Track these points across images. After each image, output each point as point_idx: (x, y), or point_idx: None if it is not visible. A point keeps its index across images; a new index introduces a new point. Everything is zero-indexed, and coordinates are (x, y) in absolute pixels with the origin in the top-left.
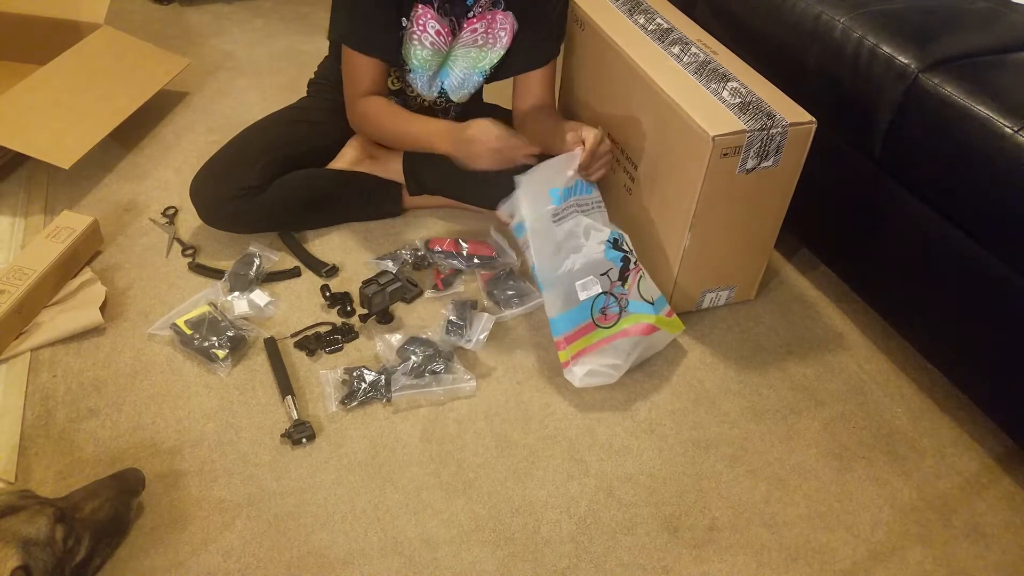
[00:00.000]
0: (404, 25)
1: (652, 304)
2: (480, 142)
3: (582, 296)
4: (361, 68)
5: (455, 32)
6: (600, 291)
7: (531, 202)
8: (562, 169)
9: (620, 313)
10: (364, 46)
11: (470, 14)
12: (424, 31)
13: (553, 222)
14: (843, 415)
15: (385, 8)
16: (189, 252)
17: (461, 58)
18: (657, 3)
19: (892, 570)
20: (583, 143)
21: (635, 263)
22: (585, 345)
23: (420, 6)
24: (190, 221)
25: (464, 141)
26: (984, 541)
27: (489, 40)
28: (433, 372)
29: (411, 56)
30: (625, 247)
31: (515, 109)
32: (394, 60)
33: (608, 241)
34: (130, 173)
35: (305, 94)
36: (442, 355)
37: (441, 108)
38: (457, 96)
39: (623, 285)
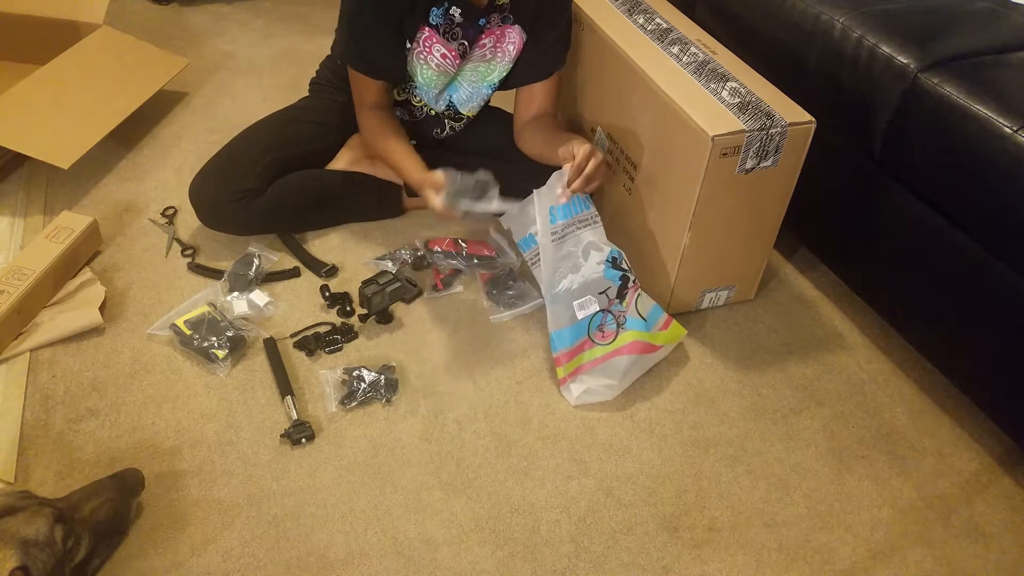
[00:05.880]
0: (409, 47)
1: (645, 320)
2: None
3: (580, 315)
4: (363, 84)
5: (465, 55)
6: (598, 309)
7: (542, 219)
8: (555, 188)
9: (617, 330)
10: (362, 67)
11: (481, 33)
12: (430, 53)
13: (552, 241)
14: (843, 415)
15: (383, 30)
16: (188, 252)
17: (470, 73)
18: (656, 3)
19: (892, 570)
20: (573, 158)
21: (634, 281)
22: (582, 362)
23: (426, 28)
24: (189, 221)
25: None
26: (984, 541)
27: (498, 54)
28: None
29: (417, 74)
30: (624, 265)
31: (517, 118)
32: (394, 79)
33: (607, 260)
34: (130, 173)
35: (306, 94)
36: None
37: (450, 118)
38: (466, 109)
39: (621, 303)
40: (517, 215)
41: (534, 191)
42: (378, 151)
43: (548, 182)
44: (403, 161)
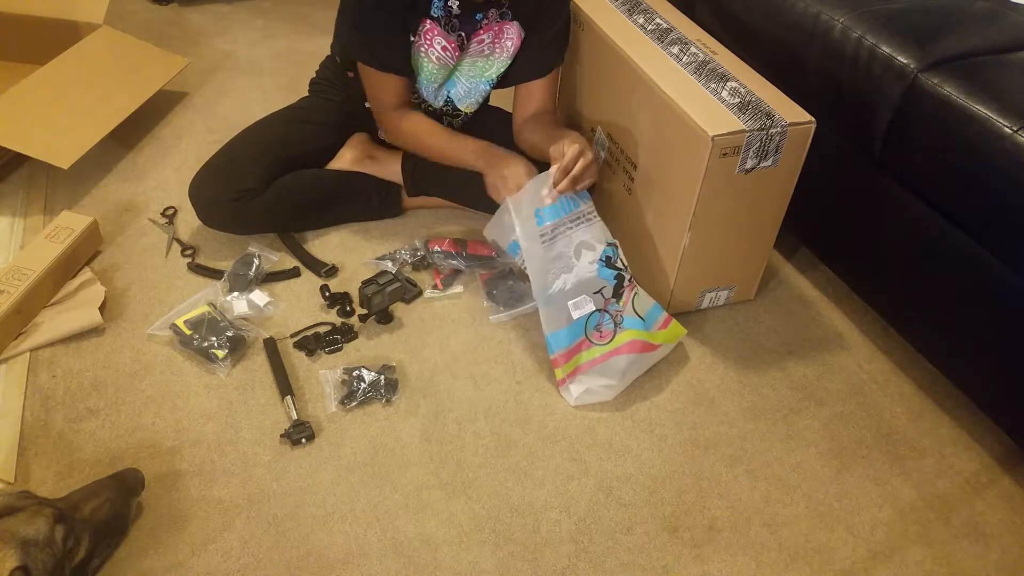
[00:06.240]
0: (412, 40)
1: (643, 320)
2: (508, 186)
3: (575, 315)
4: (382, 84)
5: (463, 47)
6: (593, 309)
7: (521, 224)
8: (539, 189)
9: (615, 330)
10: (378, 63)
11: (478, 28)
12: (431, 46)
13: (542, 243)
14: (843, 415)
15: (392, 24)
16: (188, 252)
17: (467, 68)
18: (656, 3)
19: (892, 570)
20: (562, 157)
21: (629, 279)
22: (580, 363)
23: (427, 21)
24: (189, 221)
25: (498, 176)
26: (984, 541)
27: (496, 50)
28: None
29: (419, 68)
30: (619, 264)
31: (515, 116)
32: (408, 72)
33: (601, 259)
34: (129, 173)
35: (306, 94)
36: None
37: (448, 115)
38: (464, 105)
39: (618, 302)
40: (496, 225)
41: (506, 198)
42: (424, 150)
43: (527, 184)
44: (463, 146)
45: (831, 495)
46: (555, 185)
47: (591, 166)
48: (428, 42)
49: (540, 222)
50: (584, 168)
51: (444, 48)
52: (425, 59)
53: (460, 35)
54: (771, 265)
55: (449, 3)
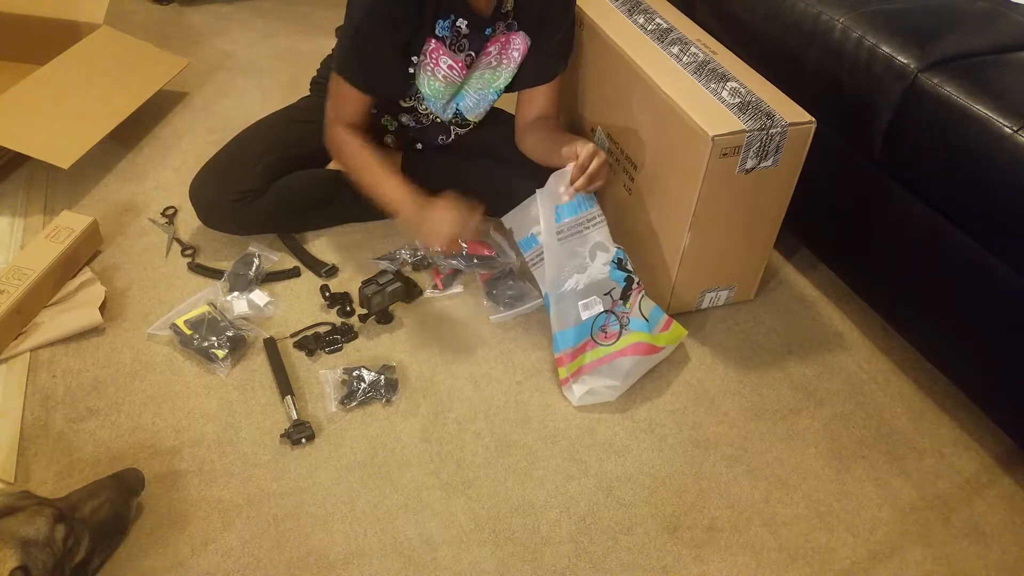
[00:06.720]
0: (415, 61)
1: (647, 321)
2: (437, 227)
3: (584, 315)
4: (349, 99)
5: (471, 64)
6: (602, 310)
7: (546, 218)
8: (557, 187)
9: (620, 331)
10: (358, 81)
11: (487, 41)
12: (436, 64)
13: (558, 240)
14: (843, 415)
15: (388, 47)
16: (188, 252)
17: (476, 81)
18: (656, 3)
19: (892, 570)
20: (576, 157)
21: (638, 283)
22: (584, 363)
23: (432, 40)
24: (189, 221)
25: (423, 221)
26: (984, 541)
27: (504, 61)
28: None
29: (424, 86)
30: (629, 267)
31: (518, 120)
32: (386, 96)
33: (613, 261)
34: (129, 173)
35: (306, 94)
36: None
37: (456, 124)
38: (473, 115)
39: (625, 304)
40: (519, 214)
41: (536, 191)
42: (351, 174)
43: (549, 182)
44: (386, 190)
45: (831, 495)
46: (572, 182)
47: (604, 166)
48: (434, 61)
49: (558, 219)
50: (599, 167)
51: (450, 67)
52: (431, 77)
53: (470, 55)
54: (771, 265)
55: (457, 23)
